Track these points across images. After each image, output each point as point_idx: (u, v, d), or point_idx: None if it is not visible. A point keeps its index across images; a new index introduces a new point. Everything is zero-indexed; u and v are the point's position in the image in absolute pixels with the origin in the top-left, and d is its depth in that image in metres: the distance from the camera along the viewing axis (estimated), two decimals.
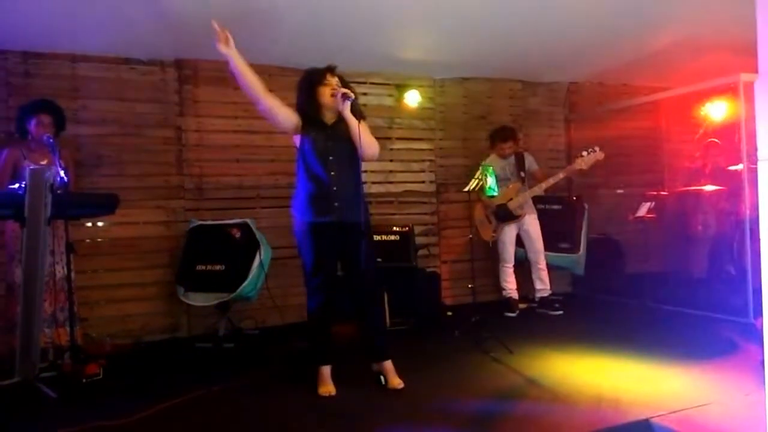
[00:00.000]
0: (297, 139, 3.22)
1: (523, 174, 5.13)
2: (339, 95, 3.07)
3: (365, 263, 3.13)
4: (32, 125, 3.77)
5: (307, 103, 3.16)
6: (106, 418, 2.80)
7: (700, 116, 5.42)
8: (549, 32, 4.58)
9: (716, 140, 5.33)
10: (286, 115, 3.12)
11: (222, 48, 2.90)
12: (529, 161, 5.24)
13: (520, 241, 5.24)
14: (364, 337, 3.30)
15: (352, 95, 3.08)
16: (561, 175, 4.99)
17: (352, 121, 3.07)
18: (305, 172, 3.16)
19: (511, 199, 5.07)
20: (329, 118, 3.19)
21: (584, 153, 4.82)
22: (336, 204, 3.11)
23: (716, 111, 5.22)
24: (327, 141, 3.14)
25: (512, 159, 5.19)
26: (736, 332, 4.12)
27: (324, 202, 3.11)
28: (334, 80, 3.16)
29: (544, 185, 5.01)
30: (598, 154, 4.78)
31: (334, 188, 3.11)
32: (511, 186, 5.11)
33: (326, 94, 3.12)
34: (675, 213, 5.67)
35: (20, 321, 3.21)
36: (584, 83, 6.39)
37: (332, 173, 3.11)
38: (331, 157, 3.12)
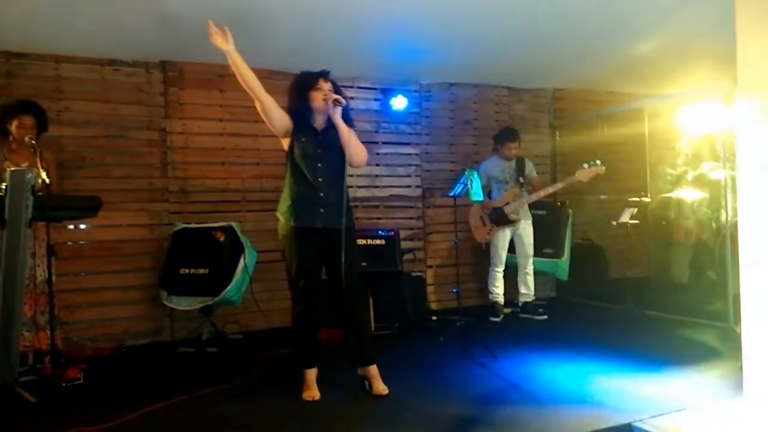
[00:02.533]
0: (286, 143, 3.21)
1: (522, 179, 5.16)
2: (330, 101, 3.07)
3: (348, 269, 3.11)
4: (13, 126, 3.72)
5: (299, 108, 3.16)
6: (86, 423, 2.77)
7: (682, 124, 5.49)
8: (535, 39, 4.62)
9: (687, 149, 5.41)
10: (280, 117, 3.11)
11: (221, 43, 2.90)
12: (529, 168, 5.28)
13: (510, 245, 5.26)
14: (348, 343, 3.28)
15: (344, 101, 3.09)
16: (560, 185, 5.01)
17: (342, 127, 3.08)
18: (292, 177, 3.16)
19: (508, 203, 5.10)
20: (320, 123, 3.19)
21: (585, 165, 4.83)
22: (322, 210, 3.10)
23: (698, 119, 5.29)
24: (317, 147, 3.14)
25: (513, 163, 5.22)
26: (717, 337, 4.17)
27: (310, 207, 3.11)
28: (326, 85, 3.15)
29: (542, 193, 5.03)
30: (599, 168, 4.80)
31: (321, 194, 3.11)
32: (509, 190, 5.14)
33: (318, 99, 3.12)
34: (657, 219, 5.74)
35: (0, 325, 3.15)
36: (569, 90, 6.45)
37: (320, 179, 3.12)
38: (319, 164, 3.13)
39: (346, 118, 3.13)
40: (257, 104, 3.08)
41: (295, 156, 3.14)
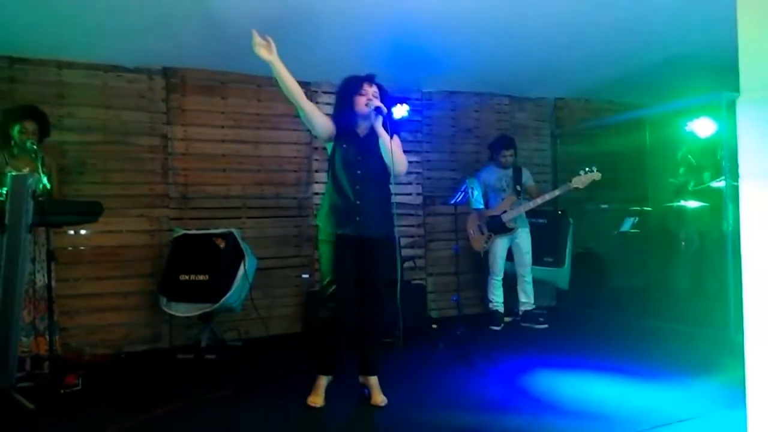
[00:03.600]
0: (329, 147, 3.18)
1: (519, 188, 5.16)
2: (372, 108, 3.03)
3: (381, 280, 3.14)
4: (15, 131, 3.73)
5: (342, 112, 3.13)
6: (84, 430, 2.76)
7: (684, 133, 5.49)
8: (536, 48, 4.63)
9: (691, 159, 5.42)
10: (322, 122, 3.08)
11: (264, 54, 2.88)
12: (527, 176, 5.28)
13: (508, 254, 5.26)
14: (358, 348, 3.26)
15: (384, 110, 3.02)
16: (557, 193, 5.02)
17: (383, 135, 3.00)
18: (332, 183, 3.13)
19: (505, 211, 5.10)
20: (363, 129, 3.14)
21: (581, 172, 4.85)
22: (357, 218, 3.06)
23: (700, 128, 5.31)
24: (357, 154, 3.09)
25: (510, 171, 5.23)
26: (718, 347, 4.15)
27: (346, 214, 3.07)
28: (371, 90, 3.10)
29: (539, 200, 5.03)
30: (595, 175, 4.81)
31: (358, 202, 3.06)
32: (506, 198, 5.14)
33: (361, 103, 3.07)
34: (658, 228, 5.74)
35: None
36: (571, 99, 6.46)
37: (357, 187, 3.07)
38: (359, 171, 3.08)
39: (389, 126, 3.02)
40: (300, 112, 3.05)
41: (335, 162, 3.11)
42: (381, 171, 3.09)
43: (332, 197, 3.11)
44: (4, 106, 4.02)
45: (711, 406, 2.95)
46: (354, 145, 3.10)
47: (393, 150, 2.96)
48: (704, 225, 5.32)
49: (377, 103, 3.03)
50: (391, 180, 3.13)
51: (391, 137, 2.97)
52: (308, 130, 3.14)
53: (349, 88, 3.12)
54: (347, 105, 3.10)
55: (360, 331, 3.23)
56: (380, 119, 3.02)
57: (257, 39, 2.88)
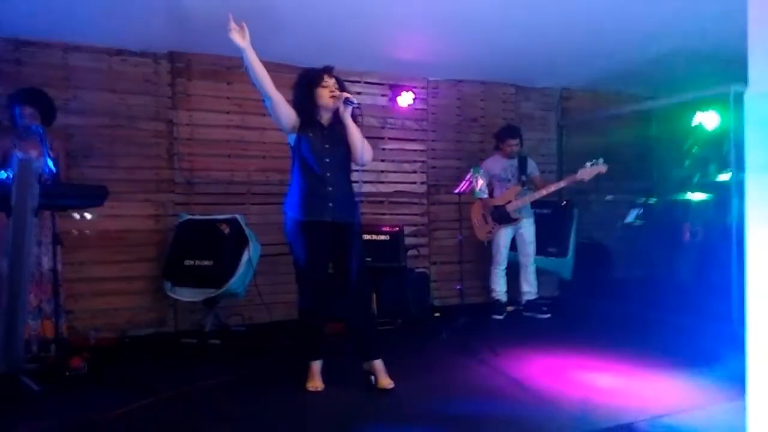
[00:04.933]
0: (292, 138, 3.21)
1: (524, 178, 5.16)
2: (342, 99, 3.09)
3: (357, 264, 3.17)
4: (17, 115, 3.73)
5: (304, 104, 3.17)
6: (89, 412, 2.79)
7: (690, 126, 5.47)
8: (543, 38, 4.60)
9: (694, 152, 5.40)
10: (288, 114, 3.13)
11: (237, 39, 2.93)
12: (532, 166, 5.27)
13: (512, 243, 5.26)
14: (353, 337, 3.30)
15: (356, 101, 3.11)
16: (562, 184, 5.01)
17: (352, 126, 3.12)
18: (301, 171, 3.17)
19: (509, 201, 5.10)
20: (326, 119, 3.21)
21: (587, 164, 4.84)
22: (330, 204, 3.14)
23: (707, 121, 5.28)
24: (324, 142, 3.16)
25: (515, 161, 5.22)
26: (720, 339, 4.15)
27: (319, 201, 3.13)
28: (331, 81, 3.17)
29: (544, 191, 5.02)
30: (601, 167, 4.80)
31: (330, 188, 3.14)
32: (510, 188, 5.14)
33: (324, 95, 3.14)
34: (663, 220, 5.73)
35: (4, 313, 3.16)
36: (577, 90, 6.42)
37: (328, 174, 3.14)
38: (327, 159, 3.15)
39: (354, 116, 3.15)
40: (266, 102, 3.10)
41: (302, 151, 3.15)
42: (346, 159, 3.20)
43: (303, 185, 3.16)
44: (10, 89, 4.02)
45: (711, 398, 2.96)
46: (320, 134, 3.17)
47: (361, 139, 3.10)
48: (709, 218, 5.31)
49: (347, 94, 3.11)
50: (354, 168, 3.24)
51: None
52: None
53: (310, 81, 3.17)
54: (309, 97, 3.15)
55: (351, 319, 3.27)
56: (350, 110, 3.10)
57: (232, 24, 2.93)
